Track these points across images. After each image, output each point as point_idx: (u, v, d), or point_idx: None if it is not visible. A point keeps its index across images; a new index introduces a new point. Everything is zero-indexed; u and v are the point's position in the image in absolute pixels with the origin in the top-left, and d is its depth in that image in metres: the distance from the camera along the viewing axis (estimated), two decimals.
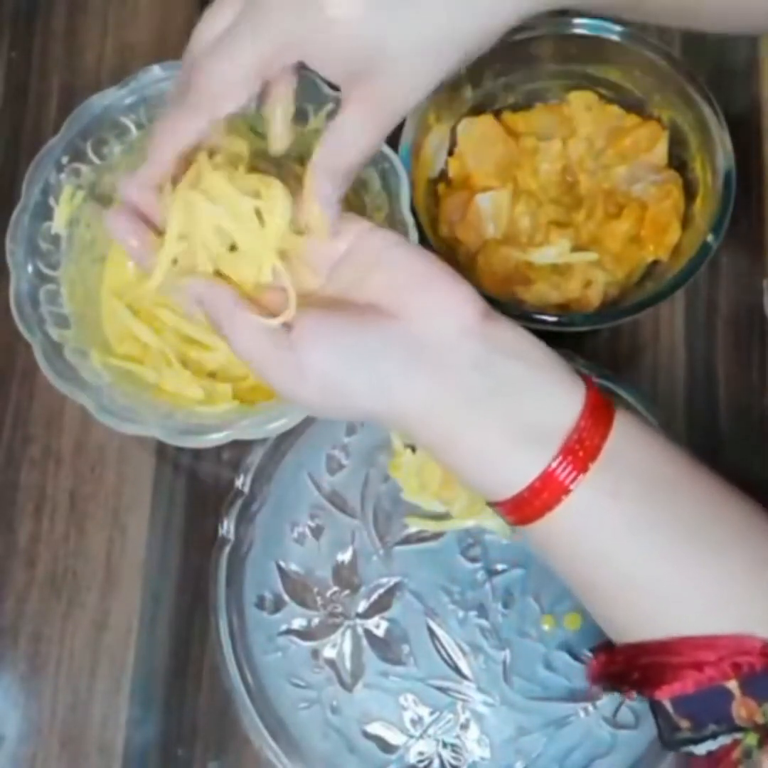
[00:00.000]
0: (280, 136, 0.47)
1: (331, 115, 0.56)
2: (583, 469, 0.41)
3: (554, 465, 0.41)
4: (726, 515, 0.43)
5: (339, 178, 0.44)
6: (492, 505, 0.44)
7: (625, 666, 0.43)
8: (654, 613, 0.42)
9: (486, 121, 0.62)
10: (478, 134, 0.62)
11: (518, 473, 0.42)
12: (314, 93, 0.56)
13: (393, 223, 0.54)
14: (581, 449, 0.41)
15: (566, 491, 0.41)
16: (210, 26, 0.44)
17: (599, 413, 0.42)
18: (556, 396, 0.43)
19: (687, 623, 0.41)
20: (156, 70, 0.57)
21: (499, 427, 0.42)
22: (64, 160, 0.56)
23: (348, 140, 0.44)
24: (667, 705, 0.41)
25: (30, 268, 0.55)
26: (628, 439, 0.43)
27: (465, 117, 0.62)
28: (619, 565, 0.42)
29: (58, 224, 0.56)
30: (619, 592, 0.43)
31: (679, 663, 0.41)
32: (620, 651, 0.43)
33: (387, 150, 0.56)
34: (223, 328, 0.44)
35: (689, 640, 0.41)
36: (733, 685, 0.40)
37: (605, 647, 0.45)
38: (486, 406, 0.42)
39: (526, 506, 0.42)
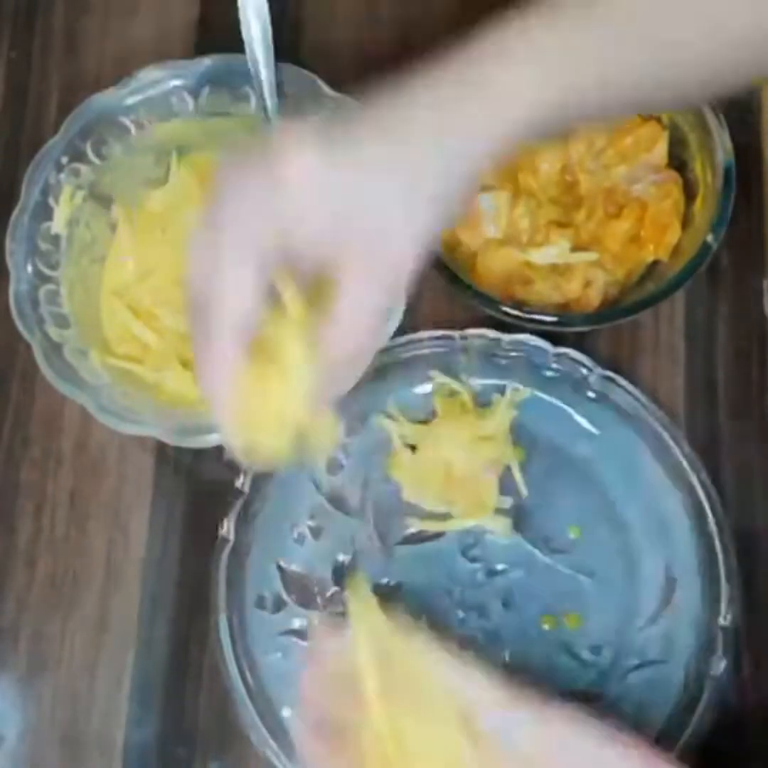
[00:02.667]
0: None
1: (331, 115, 0.56)
2: None
3: None
4: None
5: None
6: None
7: None
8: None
9: None
10: None
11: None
12: (314, 93, 0.56)
13: None
14: None
15: None
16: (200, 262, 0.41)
17: None
18: None
19: None
20: (155, 71, 0.57)
21: None
22: (64, 160, 0.56)
23: (346, 326, 0.41)
24: None
25: (30, 269, 0.55)
26: None
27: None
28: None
29: (57, 224, 0.56)
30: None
31: None
32: None
33: None
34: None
35: None
36: None
37: None
38: None
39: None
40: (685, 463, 0.57)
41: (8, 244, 0.55)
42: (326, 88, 0.56)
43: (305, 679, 0.46)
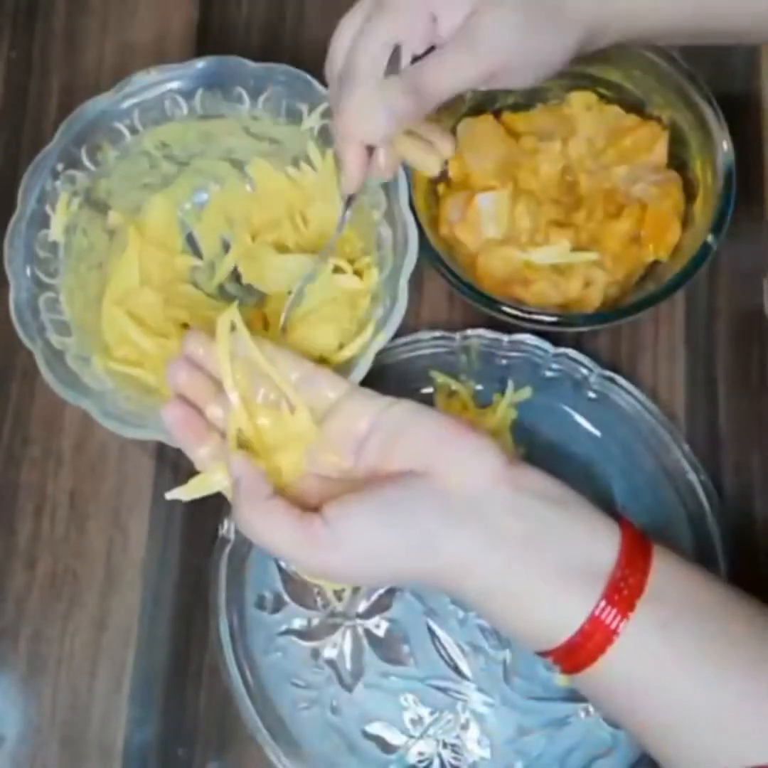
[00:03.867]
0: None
1: (325, 114, 0.56)
2: (631, 607, 0.41)
3: (603, 604, 0.41)
4: None
5: (417, 97, 0.46)
6: (544, 655, 0.44)
7: None
8: (713, 743, 0.41)
9: (486, 121, 0.62)
10: (478, 134, 0.62)
11: (566, 617, 0.42)
12: (308, 93, 0.56)
13: (392, 220, 0.54)
14: (626, 587, 0.42)
15: (616, 629, 0.41)
16: (349, 25, 0.49)
17: (638, 548, 0.43)
18: (593, 536, 0.43)
19: (748, 752, 0.41)
20: (150, 74, 0.57)
21: (542, 571, 0.42)
22: (60, 167, 0.56)
23: (447, 66, 0.46)
24: None
25: (29, 276, 0.55)
26: (669, 571, 0.43)
27: (465, 117, 0.62)
28: (677, 699, 0.42)
29: (55, 232, 0.56)
30: (676, 726, 0.42)
31: None
32: None
33: None
34: (254, 523, 0.44)
35: None
36: None
37: None
38: (527, 550, 0.43)
39: (580, 650, 0.42)
40: (685, 463, 0.57)
41: (7, 252, 0.55)
42: (320, 88, 0.56)
43: (172, 369, 0.48)
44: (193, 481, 0.49)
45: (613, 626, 0.41)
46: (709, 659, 0.42)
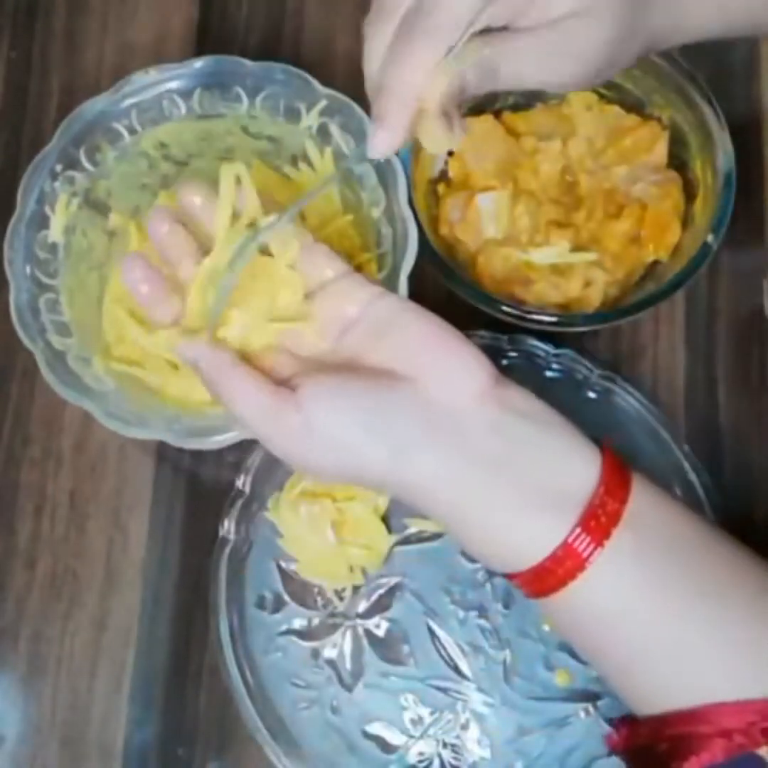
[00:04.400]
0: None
1: (324, 112, 0.56)
2: (607, 534, 0.40)
3: (578, 531, 0.40)
4: (749, 577, 0.42)
5: (489, 76, 0.43)
6: (509, 577, 0.43)
7: (650, 739, 0.41)
8: (678, 679, 0.41)
9: (486, 121, 0.62)
10: (478, 134, 0.62)
11: (539, 541, 0.41)
12: (307, 91, 0.56)
13: (391, 217, 0.54)
14: (604, 514, 0.40)
15: (589, 558, 0.40)
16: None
17: (618, 476, 0.42)
18: (573, 460, 0.42)
19: (713, 689, 0.40)
20: (148, 74, 0.57)
21: (518, 493, 0.41)
22: (58, 168, 0.56)
23: (531, 60, 0.44)
24: None
25: (29, 278, 0.55)
26: (647, 501, 0.42)
27: (465, 117, 0.62)
28: (641, 627, 0.41)
29: (54, 233, 0.56)
30: (641, 658, 0.41)
31: (707, 732, 0.39)
32: (644, 723, 0.42)
33: None
34: (222, 393, 0.43)
35: (716, 706, 0.39)
36: (764, 751, 0.38)
37: (626, 719, 0.43)
38: (504, 470, 0.41)
39: (549, 576, 0.41)
40: (685, 463, 0.57)
41: (6, 253, 0.55)
42: (318, 86, 0.56)
43: (157, 217, 0.47)
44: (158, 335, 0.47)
45: (585, 554, 0.40)
46: (679, 591, 0.41)
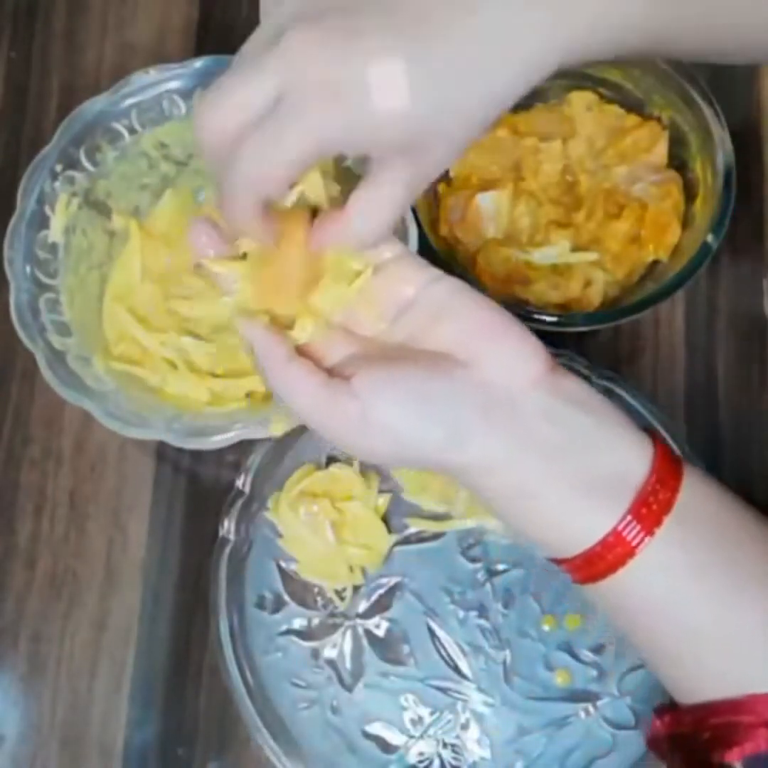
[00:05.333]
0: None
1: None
2: (658, 522, 0.41)
3: (629, 518, 0.41)
4: None
5: (372, 229, 0.43)
6: (558, 562, 0.43)
7: (694, 727, 0.42)
8: (724, 668, 0.41)
9: None
10: None
11: (591, 527, 0.41)
12: None
13: None
14: (655, 503, 0.41)
15: (639, 546, 0.41)
16: (247, 95, 0.39)
17: (669, 465, 0.42)
18: (625, 449, 0.42)
19: (758, 679, 0.40)
20: (148, 74, 0.57)
21: (571, 479, 0.42)
22: (58, 168, 0.56)
23: (384, 195, 0.42)
24: (738, 766, 0.40)
25: (29, 277, 0.55)
26: (696, 492, 0.42)
27: None
28: (688, 616, 0.41)
29: (54, 233, 0.56)
30: (687, 646, 0.42)
31: (751, 722, 0.40)
32: (688, 711, 0.42)
33: None
34: (275, 385, 0.43)
35: (762, 696, 0.40)
36: None
37: (668, 707, 0.44)
38: (558, 457, 0.42)
39: (599, 561, 0.41)
40: None
41: (6, 253, 0.55)
42: None
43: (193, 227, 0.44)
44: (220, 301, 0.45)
45: (636, 541, 0.41)
46: (726, 582, 0.41)
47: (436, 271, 0.45)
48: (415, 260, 0.46)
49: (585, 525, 0.41)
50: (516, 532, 0.44)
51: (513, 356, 0.43)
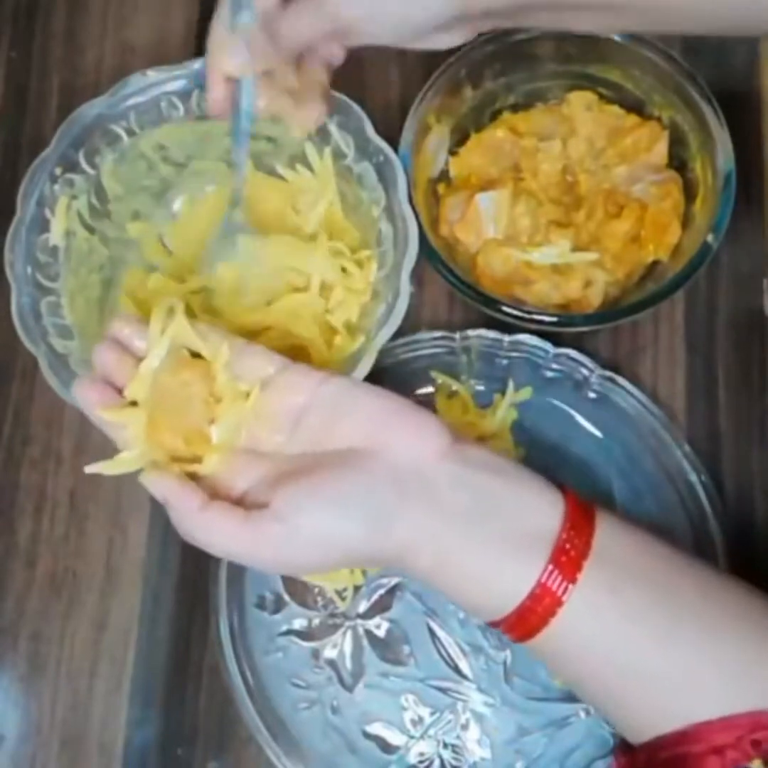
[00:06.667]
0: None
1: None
2: (578, 568, 0.42)
3: (550, 568, 0.42)
4: (722, 595, 0.44)
5: (273, 43, 0.51)
6: (495, 624, 0.44)
7: (648, 764, 0.43)
8: (667, 702, 0.42)
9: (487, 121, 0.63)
10: (479, 134, 0.62)
11: (517, 583, 0.42)
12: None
13: (391, 216, 0.54)
14: (573, 548, 0.42)
15: (565, 594, 0.42)
16: None
17: (581, 512, 0.44)
18: (537, 503, 0.44)
19: (700, 707, 0.41)
20: (146, 76, 0.57)
21: (492, 540, 0.43)
22: (58, 171, 0.56)
23: (298, 18, 0.50)
24: None
25: (30, 281, 0.55)
26: (614, 533, 0.44)
27: (465, 117, 0.62)
28: (626, 658, 0.42)
29: (55, 236, 0.56)
30: (630, 687, 0.43)
31: (699, 751, 0.40)
32: (641, 749, 0.43)
33: (381, 143, 0.55)
34: (197, 537, 0.44)
35: (705, 725, 0.41)
36: (757, 764, 0.39)
37: (624, 748, 0.45)
38: (475, 521, 0.43)
39: (531, 615, 0.42)
40: (685, 463, 0.57)
41: (7, 257, 0.55)
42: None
43: (100, 349, 0.47)
44: (119, 458, 0.46)
45: (560, 590, 0.42)
46: (658, 618, 0.42)
47: (322, 374, 0.46)
48: (298, 368, 0.47)
49: (511, 582, 0.43)
50: (453, 600, 0.46)
51: (415, 435, 0.44)
